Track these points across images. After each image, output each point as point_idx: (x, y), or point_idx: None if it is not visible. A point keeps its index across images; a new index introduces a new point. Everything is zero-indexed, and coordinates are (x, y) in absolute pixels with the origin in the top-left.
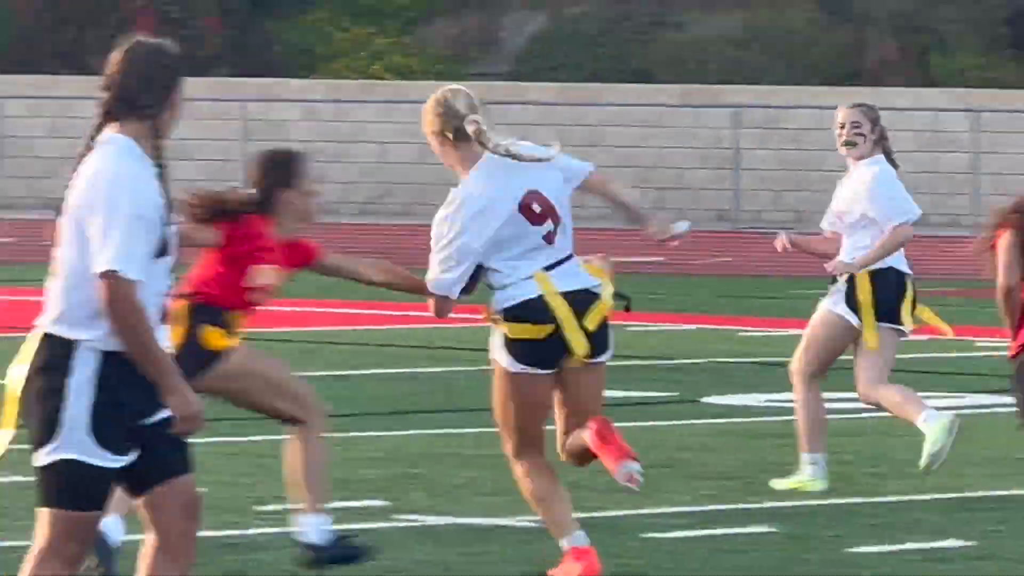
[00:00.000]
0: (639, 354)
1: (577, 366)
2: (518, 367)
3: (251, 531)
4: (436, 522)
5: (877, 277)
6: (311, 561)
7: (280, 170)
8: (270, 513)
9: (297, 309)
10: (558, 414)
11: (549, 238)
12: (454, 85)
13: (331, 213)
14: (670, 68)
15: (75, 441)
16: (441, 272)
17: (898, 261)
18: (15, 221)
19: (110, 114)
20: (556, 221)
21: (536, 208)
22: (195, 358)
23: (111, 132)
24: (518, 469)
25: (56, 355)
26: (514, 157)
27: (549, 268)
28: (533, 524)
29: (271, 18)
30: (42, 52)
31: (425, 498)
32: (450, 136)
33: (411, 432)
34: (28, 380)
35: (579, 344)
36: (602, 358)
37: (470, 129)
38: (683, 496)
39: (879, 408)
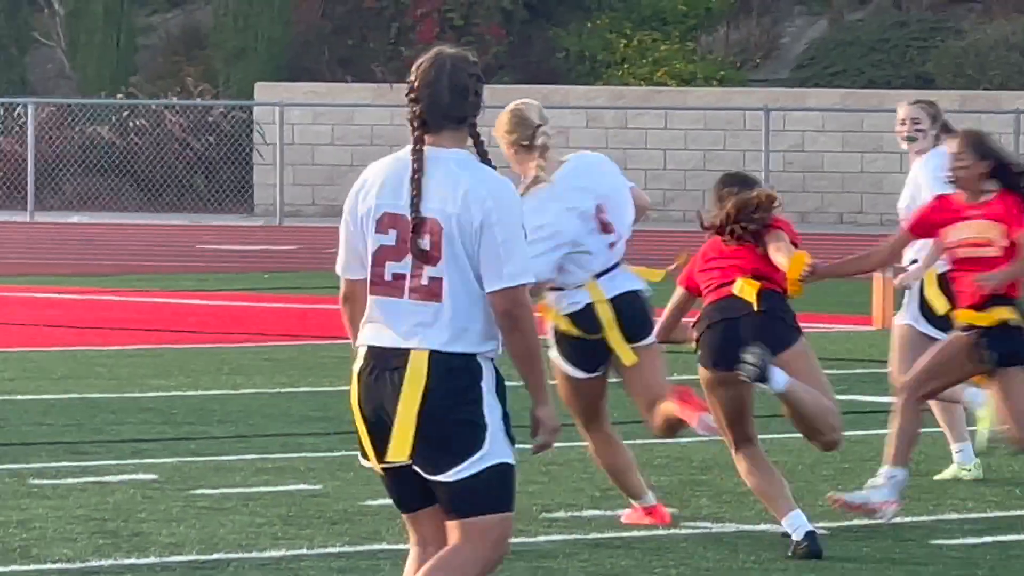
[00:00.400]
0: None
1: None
2: (574, 371)
3: (540, 538)
4: (723, 529)
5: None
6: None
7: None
8: (558, 520)
9: None
10: (634, 401)
11: (610, 246)
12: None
13: None
14: (949, 74)
15: (500, 447)
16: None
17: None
18: (297, 228)
19: (426, 125)
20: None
21: (605, 218)
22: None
23: (448, 147)
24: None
25: (459, 370)
26: None
27: (599, 275)
28: (823, 531)
29: (553, 25)
30: (322, 60)
31: (712, 505)
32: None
33: (697, 439)
34: (428, 399)
35: (627, 356)
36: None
37: (539, 141)
38: (968, 503)
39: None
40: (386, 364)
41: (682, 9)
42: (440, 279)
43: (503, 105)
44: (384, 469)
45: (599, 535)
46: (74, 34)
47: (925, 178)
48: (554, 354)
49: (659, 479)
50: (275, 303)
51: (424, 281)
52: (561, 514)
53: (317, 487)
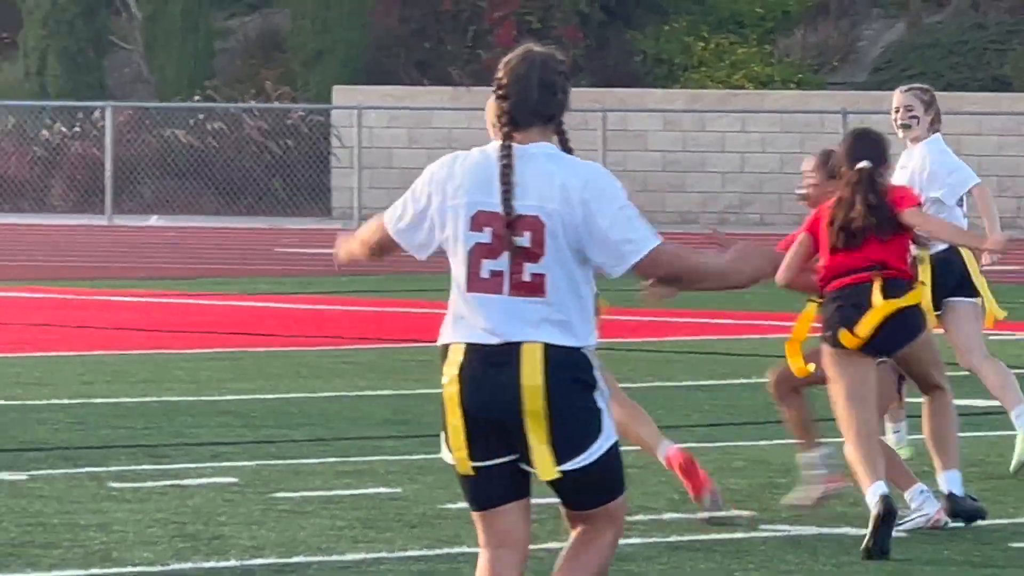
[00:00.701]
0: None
1: None
2: None
3: (619, 541)
4: (802, 532)
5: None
6: (951, 511)
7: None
8: (637, 523)
9: (677, 320)
10: None
11: None
12: None
13: (690, 223)
14: None
15: (612, 428)
16: None
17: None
18: None
19: (514, 122)
20: None
21: None
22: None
23: (535, 141)
24: None
25: (571, 362)
26: None
27: None
28: (903, 534)
29: (630, 28)
30: (400, 63)
31: (791, 508)
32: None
33: (776, 442)
34: (551, 392)
35: None
36: None
37: None
38: None
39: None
40: (494, 360)
41: (759, 12)
42: (543, 275)
43: (581, 108)
44: (475, 467)
45: (678, 538)
46: (152, 37)
47: (937, 163)
48: None
49: (738, 482)
50: (353, 306)
51: (526, 277)
52: (640, 517)
53: (396, 490)
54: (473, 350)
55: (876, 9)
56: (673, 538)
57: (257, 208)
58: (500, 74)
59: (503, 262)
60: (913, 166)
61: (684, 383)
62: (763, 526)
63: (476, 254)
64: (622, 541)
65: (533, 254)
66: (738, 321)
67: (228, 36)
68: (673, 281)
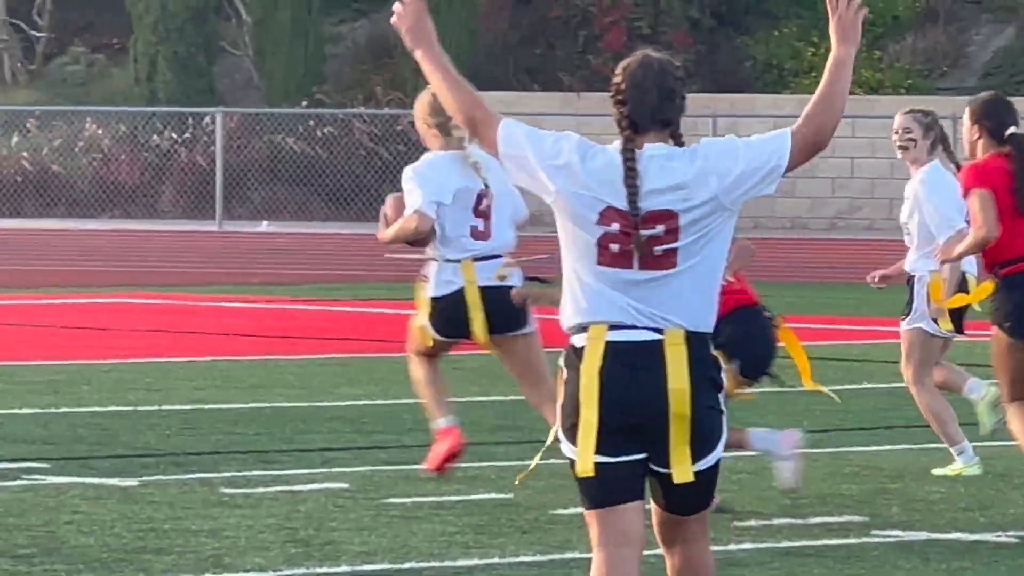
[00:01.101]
0: None
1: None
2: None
3: (731, 547)
4: (914, 537)
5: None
6: None
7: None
8: (749, 529)
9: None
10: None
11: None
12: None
13: (800, 228)
14: None
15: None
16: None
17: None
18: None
19: (634, 126)
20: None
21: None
22: None
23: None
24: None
25: (706, 356)
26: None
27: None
28: (1015, 539)
29: (740, 34)
30: (509, 69)
31: (902, 513)
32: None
33: (887, 447)
34: (695, 392)
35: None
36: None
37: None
38: None
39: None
40: (637, 361)
41: (869, 17)
42: (676, 249)
43: (691, 114)
44: (600, 464)
45: (790, 543)
46: (262, 43)
47: (925, 194)
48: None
49: (850, 487)
50: None
51: (657, 252)
52: (752, 523)
53: (508, 496)
54: (614, 348)
55: (985, 14)
56: (784, 543)
57: (366, 214)
58: (618, 79)
59: (632, 245)
60: (913, 194)
61: (796, 389)
62: (875, 532)
63: (606, 239)
64: (734, 546)
65: (665, 239)
66: (848, 327)
67: (338, 42)
68: (819, 142)
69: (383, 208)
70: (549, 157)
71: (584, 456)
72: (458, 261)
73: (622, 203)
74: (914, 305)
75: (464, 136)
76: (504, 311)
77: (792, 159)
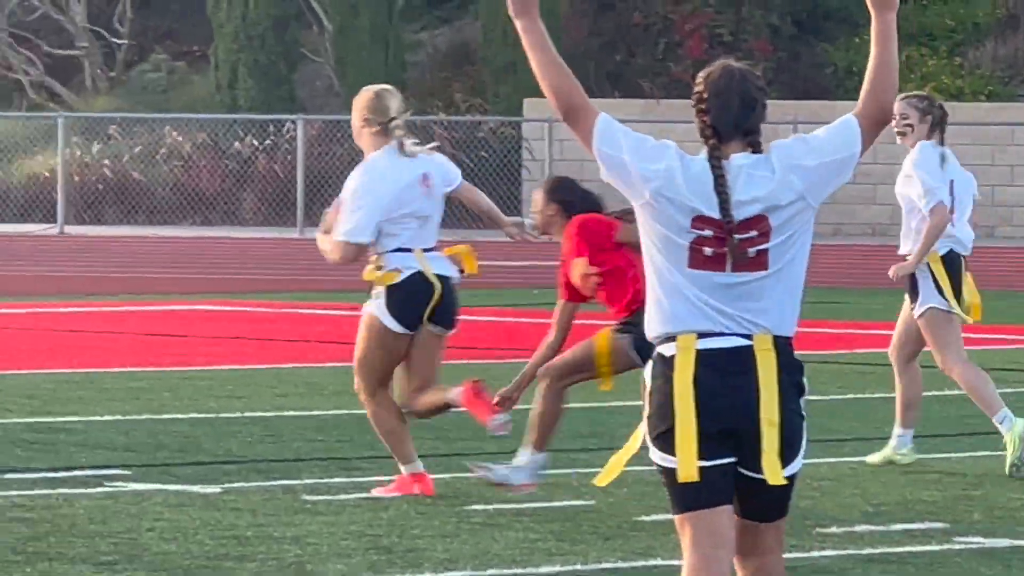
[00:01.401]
0: None
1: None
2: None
3: (813, 554)
4: (996, 544)
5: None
6: None
7: None
8: (831, 535)
9: (869, 332)
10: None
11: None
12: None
13: (880, 235)
14: None
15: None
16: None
17: (955, 242)
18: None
19: (719, 135)
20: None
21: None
22: None
23: (735, 153)
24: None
25: (793, 358)
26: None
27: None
28: None
29: (820, 40)
30: (590, 75)
31: (985, 520)
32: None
33: (968, 454)
34: (783, 396)
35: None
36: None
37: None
38: None
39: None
40: (729, 366)
41: (949, 24)
42: (767, 250)
43: (773, 121)
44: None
45: (872, 550)
46: (342, 50)
47: (911, 168)
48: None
49: (932, 493)
50: (545, 319)
51: (751, 254)
52: (834, 529)
53: (590, 503)
54: (705, 356)
55: None
56: (867, 550)
57: (447, 220)
58: (700, 88)
59: (725, 249)
60: (904, 171)
61: (876, 395)
62: (956, 538)
63: (697, 241)
64: (816, 553)
65: (757, 241)
66: None
67: (418, 49)
68: (884, 119)
69: (327, 212)
70: (648, 160)
71: (687, 461)
72: (409, 251)
73: (714, 211)
74: (919, 289)
75: (402, 136)
76: (449, 305)
77: (864, 143)
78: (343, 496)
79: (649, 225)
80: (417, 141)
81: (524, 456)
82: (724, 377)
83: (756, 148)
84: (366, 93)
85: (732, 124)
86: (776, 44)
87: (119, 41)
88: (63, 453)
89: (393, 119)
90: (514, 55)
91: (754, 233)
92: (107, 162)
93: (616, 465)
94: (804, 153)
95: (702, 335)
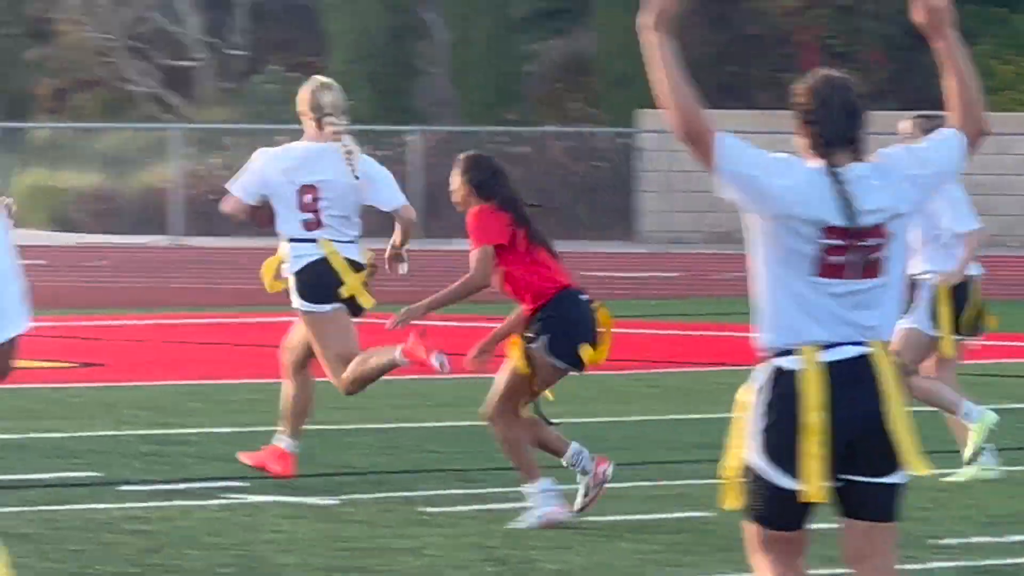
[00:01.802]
0: None
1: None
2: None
3: (930, 565)
4: None
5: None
6: None
7: None
8: (947, 547)
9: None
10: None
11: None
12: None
13: (996, 245)
14: None
15: None
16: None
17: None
18: (681, 255)
19: (828, 144)
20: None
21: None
22: None
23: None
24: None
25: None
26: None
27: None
28: None
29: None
30: (705, 86)
31: None
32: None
33: None
34: (893, 401)
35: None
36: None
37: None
38: None
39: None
40: (851, 379)
41: None
42: (881, 258)
43: (887, 132)
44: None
45: (988, 562)
46: (458, 62)
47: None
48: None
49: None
50: (661, 330)
51: (871, 259)
52: (950, 541)
53: (707, 514)
54: (828, 369)
55: None
56: (983, 562)
57: (559, 232)
58: (803, 99)
59: (848, 257)
60: None
61: (989, 406)
62: None
63: (821, 250)
64: (932, 564)
65: (876, 248)
66: None
67: (533, 60)
68: (982, 131)
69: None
70: (776, 176)
71: (813, 482)
72: (313, 241)
73: (840, 220)
74: (913, 306)
75: (340, 130)
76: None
77: (968, 157)
78: (460, 508)
79: (772, 237)
80: (351, 152)
81: (530, 487)
82: (848, 388)
83: (860, 157)
84: (307, 87)
85: (839, 134)
86: (890, 55)
87: (234, 52)
88: (179, 465)
89: (330, 113)
90: (628, 66)
91: (874, 241)
92: (221, 173)
93: (731, 485)
94: (913, 163)
95: (823, 346)
